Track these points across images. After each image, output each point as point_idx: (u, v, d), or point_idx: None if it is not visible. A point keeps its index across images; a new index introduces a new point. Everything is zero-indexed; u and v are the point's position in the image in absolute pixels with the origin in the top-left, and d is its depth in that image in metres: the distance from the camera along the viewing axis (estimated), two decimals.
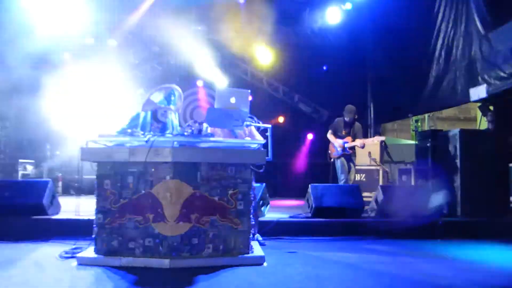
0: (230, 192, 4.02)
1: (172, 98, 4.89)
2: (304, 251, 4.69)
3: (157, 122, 4.77)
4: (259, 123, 4.53)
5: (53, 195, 5.72)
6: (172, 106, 4.86)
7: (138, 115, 4.79)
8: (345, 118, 7.25)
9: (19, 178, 8.76)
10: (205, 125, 4.21)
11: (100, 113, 6.72)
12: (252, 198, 4.13)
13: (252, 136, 4.91)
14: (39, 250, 4.52)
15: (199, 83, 11.20)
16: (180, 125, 4.88)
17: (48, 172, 9.28)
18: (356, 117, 7.32)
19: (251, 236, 4.83)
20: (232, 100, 4.30)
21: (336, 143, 7.16)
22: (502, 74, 6.76)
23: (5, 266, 3.84)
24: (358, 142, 7.03)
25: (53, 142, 9.24)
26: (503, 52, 6.76)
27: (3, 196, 5.37)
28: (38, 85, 8.33)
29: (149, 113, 4.84)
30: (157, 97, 4.91)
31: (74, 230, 4.91)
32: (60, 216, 5.59)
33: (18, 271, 3.69)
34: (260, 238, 4.92)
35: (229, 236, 3.97)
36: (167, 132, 4.35)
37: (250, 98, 4.33)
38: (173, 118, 4.96)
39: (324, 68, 11.07)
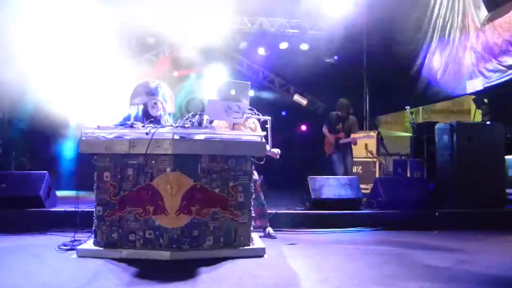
0: (231, 184, 4.01)
1: (159, 90, 4.87)
2: (303, 243, 4.71)
3: (148, 118, 4.77)
4: (259, 115, 4.52)
5: (50, 187, 5.69)
6: (161, 99, 4.85)
7: (129, 116, 4.78)
8: (338, 113, 7.21)
9: (13, 170, 8.67)
10: (205, 117, 4.19)
11: (97, 104, 6.66)
12: (252, 190, 4.13)
13: (256, 128, 4.90)
14: (38, 242, 4.50)
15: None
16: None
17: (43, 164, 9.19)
18: (351, 111, 7.28)
19: (262, 229, 4.89)
20: (232, 92, 4.28)
21: (330, 139, 7.15)
22: (498, 66, 6.80)
23: (4, 258, 3.82)
24: (350, 138, 7.00)
25: (48, 134, 9.13)
26: (500, 44, 6.80)
27: None
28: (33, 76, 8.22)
29: (140, 108, 4.83)
30: (144, 89, 4.89)
31: (72, 222, 4.86)
32: (58, 208, 5.56)
33: (17, 263, 3.68)
34: (272, 231, 4.94)
35: (230, 228, 3.97)
36: (168, 124, 4.33)
37: (252, 93, 4.31)
38: (167, 118, 4.96)
39: (336, 57, 10.99)
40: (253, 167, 4.51)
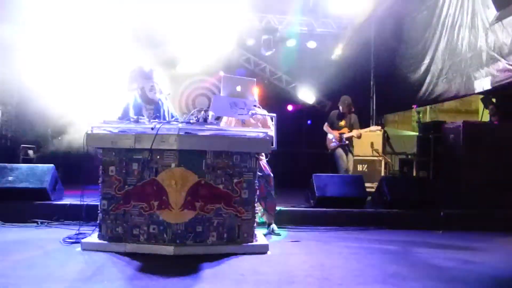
0: (235, 180, 4.01)
1: (154, 73, 4.86)
2: (307, 240, 4.71)
3: (149, 103, 4.76)
4: (264, 111, 4.52)
5: (56, 180, 5.72)
6: (157, 81, 4.84)
7: (128, 106, 4.78)
8: (340, 109, 7.26)
9: (20, 163, 8.75)
10: (210, 113, 4.20)
11: (103, 98, 6.68)
12: (257, 187, 4.13)
13: (265, 125, 4.86)
14: (43, 235, 4.54)
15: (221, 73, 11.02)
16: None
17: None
18: (353, 109, 7.30)
19: (267, 226, 4.89)
20: (238, 88, 4.28)
21: (333, 134, 7.19)
22: (507, 66, 6.73)
23: (9, 250, 3.86)
24: (355, 132, 7.04)
25: (54, 127, 9.18)
26: (509, 44, 6.72)
27: (6, 181, 5.37)
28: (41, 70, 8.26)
29: (137, 96, 4.82)
30: (139, 73, 4.87)
31: (77, 215, 4.90)
32: (63, 201, 5.60)
33: (22, 255, 3.70)
34: (275, 228, 4.94)
35: (234, 225, 3.98)
36: (173, 119, 4.34)
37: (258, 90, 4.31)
38: (167, 103, 4.94)
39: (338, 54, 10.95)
40: (267, 162, 4.55)
